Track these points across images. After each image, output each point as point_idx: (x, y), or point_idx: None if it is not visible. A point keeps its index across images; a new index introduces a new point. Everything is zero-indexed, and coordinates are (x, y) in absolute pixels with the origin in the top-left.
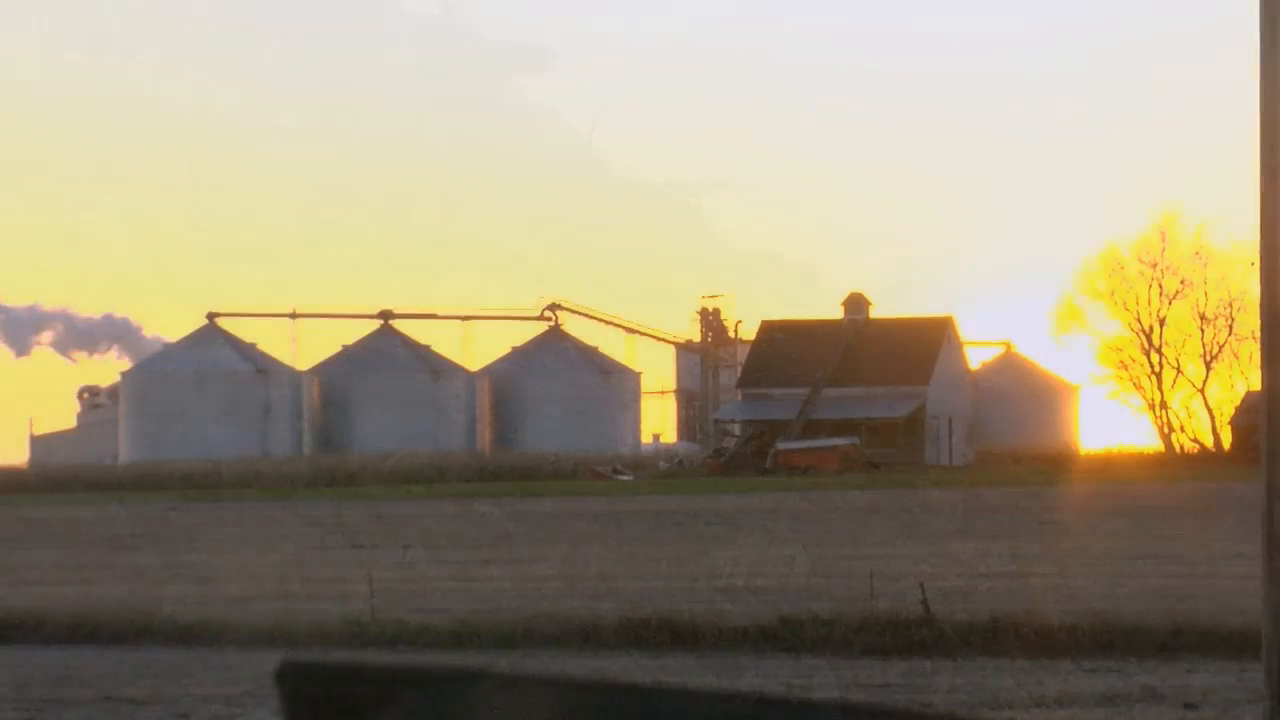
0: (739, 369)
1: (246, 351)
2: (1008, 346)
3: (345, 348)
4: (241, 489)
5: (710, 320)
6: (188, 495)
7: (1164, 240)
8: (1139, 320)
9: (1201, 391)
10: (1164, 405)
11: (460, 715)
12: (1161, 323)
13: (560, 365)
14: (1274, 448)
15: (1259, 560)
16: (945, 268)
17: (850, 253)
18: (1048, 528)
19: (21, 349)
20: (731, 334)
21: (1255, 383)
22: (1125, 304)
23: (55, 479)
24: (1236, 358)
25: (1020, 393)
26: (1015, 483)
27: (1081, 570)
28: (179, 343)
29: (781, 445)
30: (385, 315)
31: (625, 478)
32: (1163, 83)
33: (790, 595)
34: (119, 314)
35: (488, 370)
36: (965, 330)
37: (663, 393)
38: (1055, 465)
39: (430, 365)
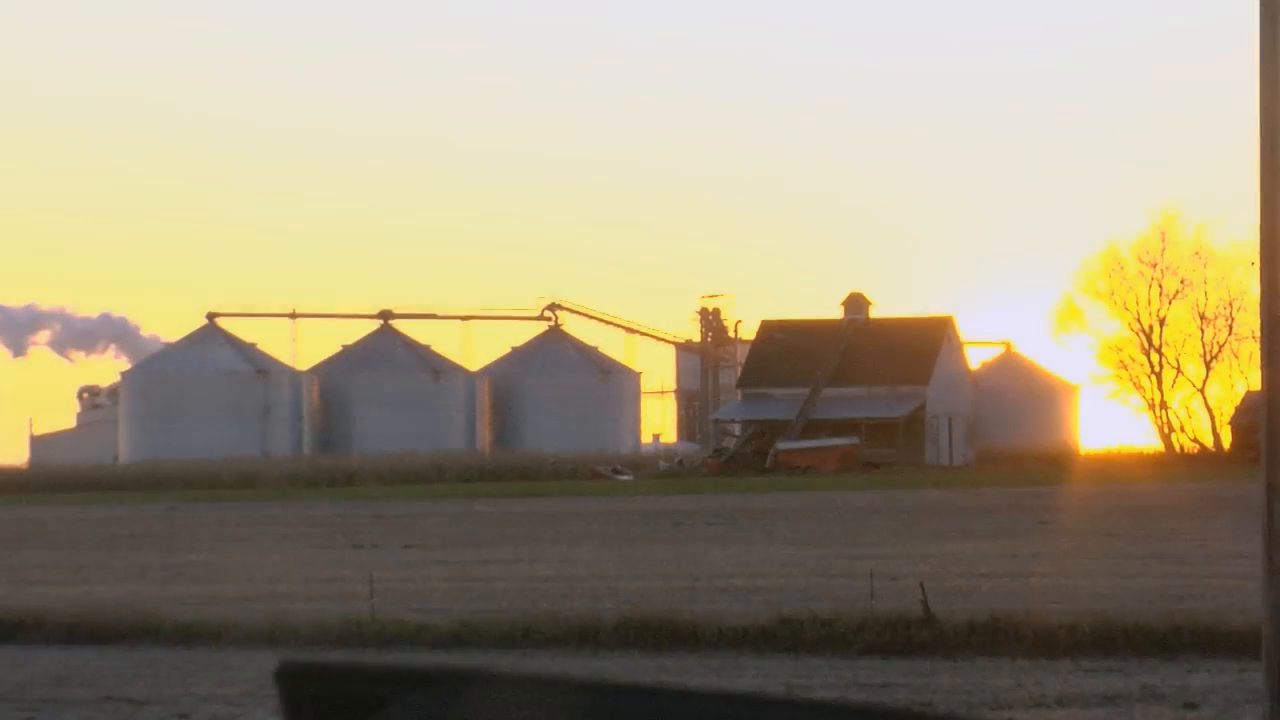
0: (739, 369)
1: (246, 351)
2: (1008, 346)
3: (345, 348)
4: (241, 489)
5: (710, 320)
6: (188, 495)
7: (1164, 240)
8: (1139, 320)
9: (1201, 391)
10: (1164, 405)
11: (460, 715)
12: (1161, 322)
13: (560, 365)
14: (1274, 447)
15: (1259, 560)
16: (945, 268)
17: (850, 253)
18: (1048, 527)
19: (19, 349)
20: (731, 334)
21: (1255, 382)
22: (1125, 304)
23: (55, 479)
24: (1236, 357)
25: (1020, 392)
26: (1015, 482)
27: (1081, 570)
28: (179, 342)
29: (781, 445)
30: (385, 315)
31: (625, 478)
32: (1163, 83)
33: (790, 595)
34: (116, 313)
35: (487, 370)
36: (965, 330)
37: (662, 392)
38: (1055, 465)
39: (430, 365)
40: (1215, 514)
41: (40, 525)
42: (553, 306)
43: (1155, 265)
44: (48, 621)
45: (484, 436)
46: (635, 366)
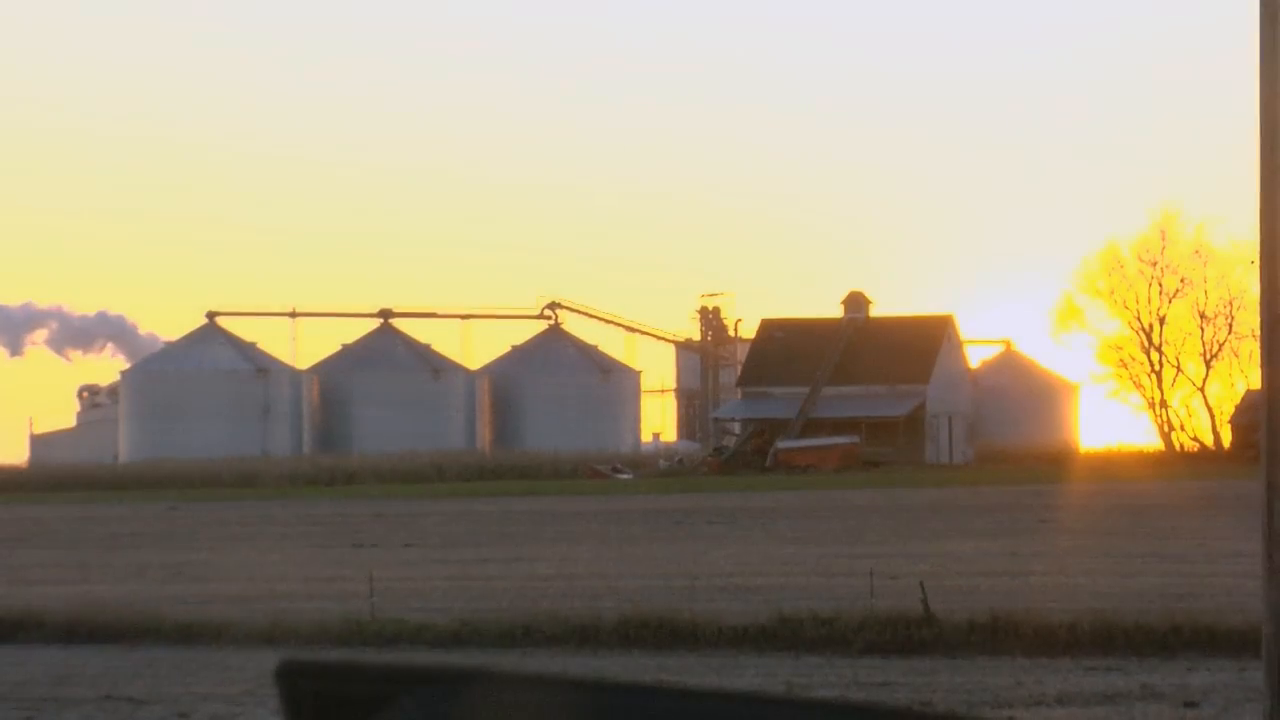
0: (739, 367)
1: (246, 351)
2: (1008, 345)
3: (345, 347)
4: (241, 488)
5: (710, 319)
6: (188, 494)
7: (1164, 239)
8: (1139, 319)
9: (1201, 390)
10: (1164, 404)
11: (460, 714)
12: (1161, 321)
13: (560, 364)
14: (1274, 446)
15: (1259, 558)
16: (945, 267)
17: (850, 252)
18: (1048, 526)
19: (16, 348)
20: (731, 332)
21: (1255, 381)
22: (1125, 302)
23: (55, 478)
24: (1236, 356)
25: (1020, 391)
26: (1015, 481)
27: (1081, 569)
28: (179, 342)
29: (781, 444)
30: (385, 314)
31: (625, 476)
32: (1163, 83)
33: (790, 594)
34: (113, 312)
35: (488, 369)
36: (965, 329)
37: (663, 391)
38: (1055, 464)
39: (430, 364)
40: (1215, 513)
41: (40, 524)
42: (553, 305)
43: (1155, 264)
44: (48, 621)
45: (484, 435)
46: (635, 365)
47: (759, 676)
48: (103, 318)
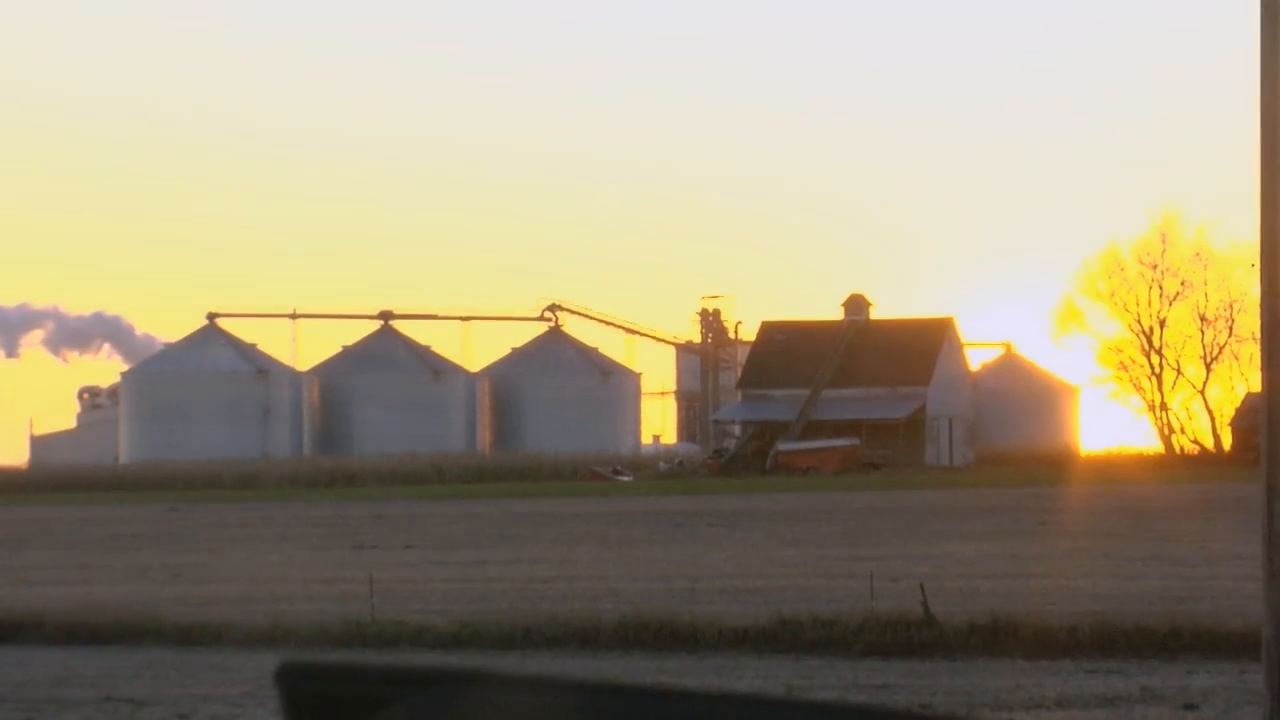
0: (739, 370)
1: (247, 352)
2: (1008, 347)
3: (345, 348)
4: (241, 489)
5: (710, 321)
6: (188, 496)
7: (1164, 241)
8: (1139, 321)
9: (1202, 393)
10: (1164, 406)
11: (460, 716)
12: (1162, 324)
13: (560, 366)
14: (1274, 449)
15: (1259, 561)
16: (946, 269)
17: (851, 254)
18: (1048, 529)
19: (11, 349)
20: (732, 335)
21: (1255, 384)
22: (1125, 305)
23: (55, 479)
24: (1237, 359)
25: (1020, 394)
26: (1015, 484)
27: (1081, 571)
28: (179, 343)
29: (782, 446)
30: (385, 316)
31: (625, 478)
32: (1163, 83)
33: (790, 596)
34: (110, 312)
35: (488, 371)
36: (966, 331)
37: (663, 393)
38: (1055, 466)
39: (430, 366)
40: (1215, 515)
41: (40, 525)
42: (553, 307)
43: (1155, 266)
44: (48, 622)
45: (484, 437)
46: (635, 367)
47: (759, 678)
48: (99, 318)
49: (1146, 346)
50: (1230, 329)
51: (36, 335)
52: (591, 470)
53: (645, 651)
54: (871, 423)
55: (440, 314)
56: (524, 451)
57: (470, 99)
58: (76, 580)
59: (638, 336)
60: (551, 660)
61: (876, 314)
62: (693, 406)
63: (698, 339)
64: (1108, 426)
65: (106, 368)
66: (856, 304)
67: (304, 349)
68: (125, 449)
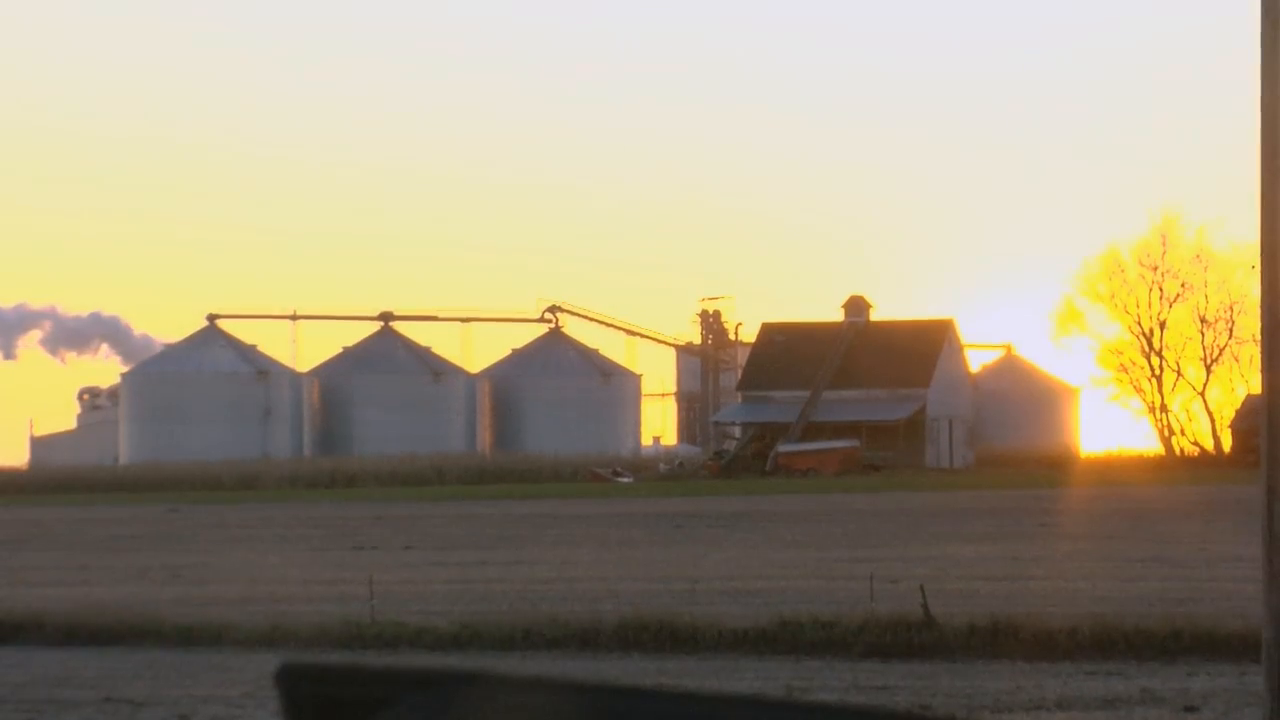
0: (739, 371)
1: (247, 353)
2: (1008, 349)
3: (346, 349)
4: (242, 490)
5: (711, 322)
6: (188, 497)
7: (1164, 243)
8: (1139, 323)
9: (1202, 395)
10: (1164, 408)
11: (460, 717)
12: (1162, 326)
13: (560, 367)
14: (1274, 451)
15: (1259, 563)
16: (946, 270)
17: (851, 255)
18: (1048, 530)
19: (9, 349)
20: (732, 336)
21: (1255, 386)
22: (1125, 307)
23: (55, 480)
24: (1237, 361)
25: (1020, 395)
26: (1015, 485)
27: (1081, 573)
28: (179, 344)
29: (782, 447)
30: (386, 317)
31: (625, 480)
32: (1163, 83)
33: (790, 597)
34: (107, 312)
35: (488, 372)
36: (966, 333)
37: (663, 395)
38: (1055, 468)
39: (430, 367)
40: (1215, 517)
41: (40, 526)
42: (553, 309)
43: (1156, 268)
44: (48, 623)
45: (484, 438)
46: (636, 369)
47: (759, 680)
48: (97, 318)
49: (1147, 348)
50: (1230, 331)
51: (34, 335)
52: (592, 471)
53: (645, 653)
54: (872, 424)
55: (440, 315)
56: (524, 453)
57: (470, 99)
58: (76, 581)
59: (638, 338)
60: (551, 661)
61: (877, 315)
62: (693, 408)
63: (698, 340)
64: (1108, 428)
65: (106, 368)
66: (857, 305)
67: (304, 350)
68: (125, 450)
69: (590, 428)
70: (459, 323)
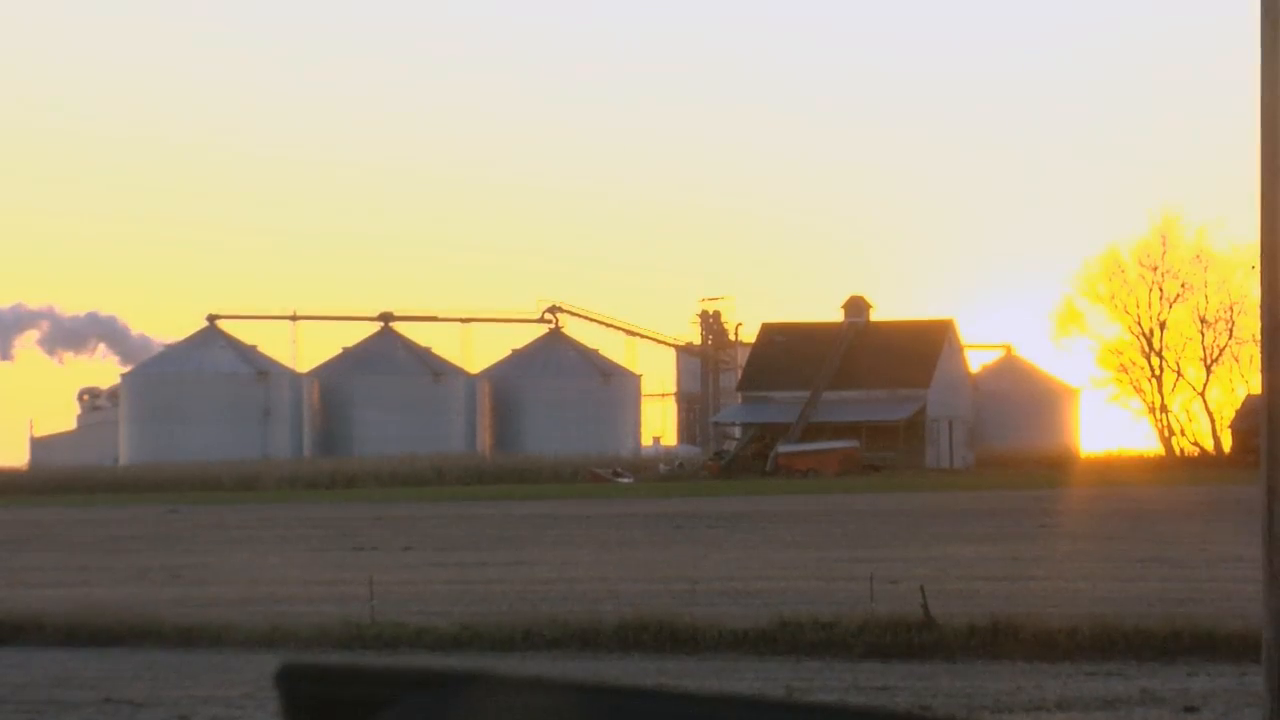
0: (739, 372)
1: (247, 353)
2: (1008, 349)
3: (345, 350)
4: (241, 491)
5: (711, 323)
6: (188, 497)
7: (1164, 243)
8: (1139, 323)
9: (1202, 395)
10: (1164, 409)
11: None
12: (1162, 326)
13: (560, 368)
14: (1274, 451)
15: (1259, 563)
16: (946, 271)
17: (851, 255)
18: (1048, 531)
19: (5, 349)
20: (732, 337)
21: (1256, 386)
22: (1126, 307)
23: (55, 481)
24: (1237, 361)
25: (1021, 396)
26: (1015, 486)
27: (1081, 573)
28: (179, 344)
29: (782, 448)
30: (385, 317)
31: (625, 480)
32: (1163, 83)
33: (790, 598)
34: (104, 312)
35: (488, 373)
36: (966, 333)
37: (663, 395)
38: (1055, 468)
39: (430, 367)
40: (1215, 518)
41: (40, 527)
42: (553, 309)
43: (1156, 269)
44: (48, 623)
45: (484, 439)
46: (636, 369)
47: (759, 680)
48: (94, 318)
49: (1146, 349)
50: (1230, 331)
51: (32, 335)
52: (592, 472)
53: (645, 653)
54: (871, 425)
55: (440, 315)
56: (524, 453)
57: (470, 99)
58: (76, 582)
59: (638, 338)
60: (551, 662)
61: (876, 316)
62: (693, 408)
63: (698, 341)
64: (1108, 429)
65: (106, 369)
66: (856, 306)
67: (304, 350)
68: (125, 450)
69: (590, 428)
70: (459, 323)
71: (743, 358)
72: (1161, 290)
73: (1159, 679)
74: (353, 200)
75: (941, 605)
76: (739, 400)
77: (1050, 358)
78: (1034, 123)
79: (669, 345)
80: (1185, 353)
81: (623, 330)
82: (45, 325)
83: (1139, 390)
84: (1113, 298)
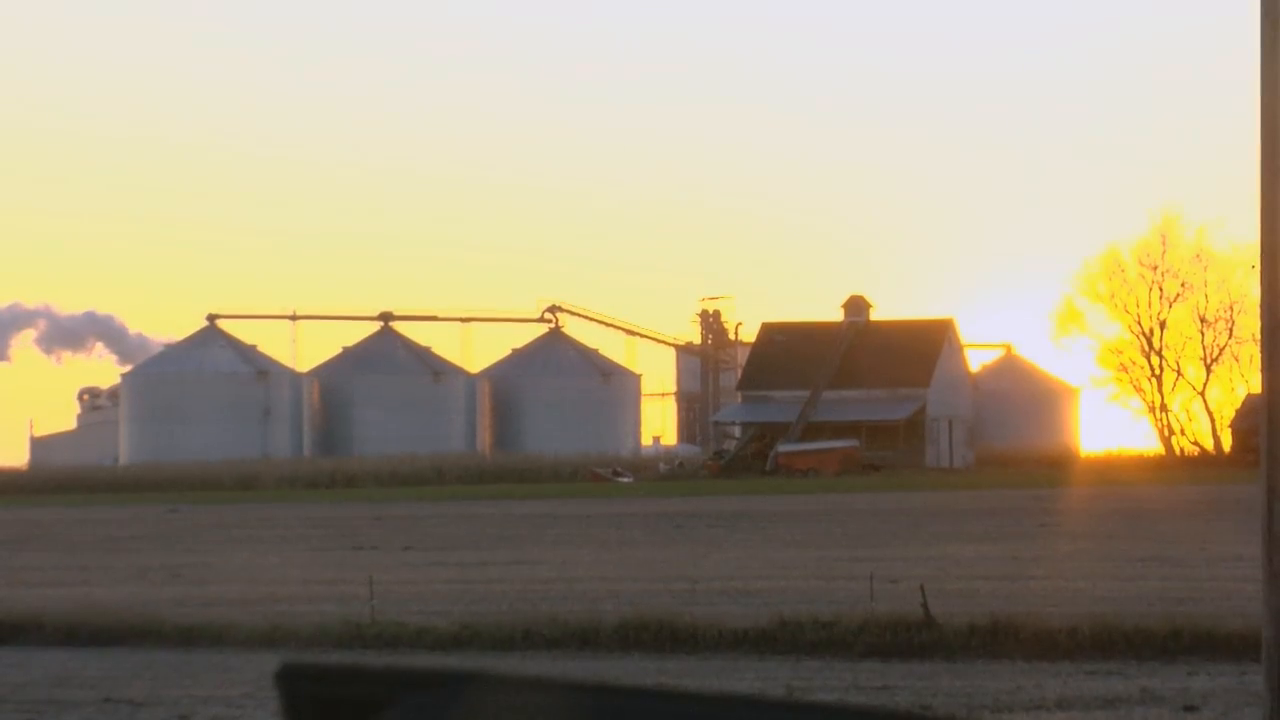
0: (739, 371)
1: (247, 353)
2: (1008, 349)
3: (345, 349)
4: (241, 491)
5: (711, 322)
6: (188, 497)
7: (1164, 243)
8: (1139, 323)
9: (1202, 394)
10: (1164, 408)
11: (460, 717)
12: (1162, 325)
13: (560, 367)
14: (1274, 450)
15: (1259, 563)
16: (946, 270)
17: (851, 255)
18: (1048, 530)
19: (2, 348)
20: (732, 336)
21: (1255, 386)
22: (1125, 306)
23: (55, 480)
24: (1237, 361)
25: (1021, 395)
26: (1015, 485)
27: (1081, 573)
28: (179, 344)
29: (782, 447)
30: (385, 317)
31: (625, 480)
32: (1163, 83)
33: (790, 597)
34: (102, 311)
35: (488, 372)
36: (966, 332)
37: (663, 395)
38: (1055, 468)
39: (430, 367)
40: (1215, 517)
41: (40, 527)
42: (553, 309)
43: (1156, 268)
44: (48, 623)
45: (484, 438)
46: (635, 369)
47: (759, 680)
48: (91, 317)
49: (1146, 348)
50: (1230, 330)
51: (29, 335)
52: (592, 471)
53: (645, 653)
54: (871, 424)
55: (440, 315)
56: (524, 453)
57: (470, 99)
58: (76, 581)
59: (638, 338)
60: (551, 661)
61: (876, 315)
62: (693, 408)
63: (698, 340)
64: (1108, 428)
65: (105, 369)
66: (856, 305)
67: (304, 350)
68: (125, 450)
69: (590, 428)
70: (459, 323)
71: (743, 357)
72: (1161, 290)
73: (1159, 678)
74: (353, 200)
75: (941, 605)
76: (739, 400)
77: (1050, 357)
78: (1034, 123)
79: (669, 345)
80: (1185, 352)
81: (623, 330)
82: (42, 324)
83: (1139, 390)
84: (1113, 297)
